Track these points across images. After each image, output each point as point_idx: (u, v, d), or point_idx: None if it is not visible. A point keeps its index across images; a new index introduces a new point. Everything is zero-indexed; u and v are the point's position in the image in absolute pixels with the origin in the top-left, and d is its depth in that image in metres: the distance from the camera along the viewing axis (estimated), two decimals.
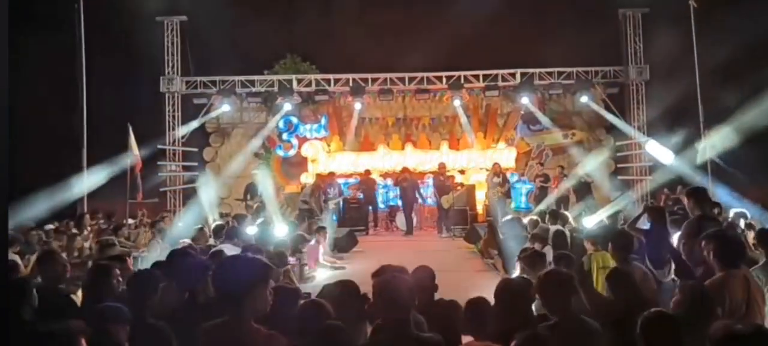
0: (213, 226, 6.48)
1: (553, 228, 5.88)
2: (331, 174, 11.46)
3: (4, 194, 1.89)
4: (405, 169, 11.26)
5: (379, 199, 11.69)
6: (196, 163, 13.18)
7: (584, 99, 12.30)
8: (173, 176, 12.95)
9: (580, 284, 2.70)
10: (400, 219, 11.38)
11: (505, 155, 12.45)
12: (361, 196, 11.59)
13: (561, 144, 12.93)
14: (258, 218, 7.94)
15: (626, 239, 3.88)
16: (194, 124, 12.76)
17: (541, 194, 10.99)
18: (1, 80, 2.00)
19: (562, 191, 10.66)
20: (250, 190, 11.35)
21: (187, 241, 5.52)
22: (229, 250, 4.79)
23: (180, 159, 13.08)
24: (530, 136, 13.11)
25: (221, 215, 11.03)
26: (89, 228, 7.70)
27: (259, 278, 2.04)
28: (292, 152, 13.01)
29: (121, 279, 3.17)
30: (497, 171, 10.91)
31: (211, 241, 5.94)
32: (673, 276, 4.38)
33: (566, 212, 7.45)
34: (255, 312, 2.02)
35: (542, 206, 9.37)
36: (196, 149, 13.21)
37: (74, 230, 7.34)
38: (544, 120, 12.71)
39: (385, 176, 11.98)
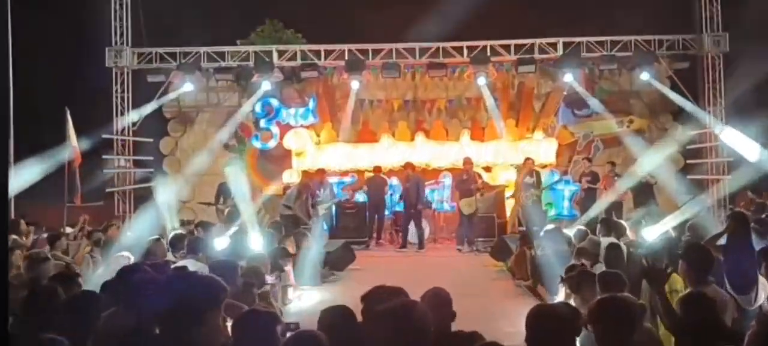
0: (171, 236, 6.49)
1: (604, 241, 5.89)
2: (321, 172, 11.54)
3: (4, 194, 2.10)
4: (408, 165, 11.32)
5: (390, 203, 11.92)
6: (151, 158, 13.21)
7: (645, 76, 12.18)
8: (122, 173, 12.95)
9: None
10: (410, 229, 11.46)
11: (543, 148, 12.48)
12: (360, 199, 11.65)
13: (614, 134, 12.86)
14: (230, 227, 8.06)
15: (703, 255, 3.85)
16: (149, 108, 12.79)
17: (589, 197, 11.10)
18: (1, 80, 2.32)
19: (616, 193, 10.70)
20: (223, 191, 11.31)
21: (127, 254, 5.52)
22: (193, 267, 4.85)
23: (131, 152, 13.08)
24: (575, 123, 13.11)
25: (182, 223, 11.07)
26: (24, 238, 7.62)
27: (208, 303, 2.00)
28: (271, 144, 13.04)
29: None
30: (531, 168, 10.96)
31: (170, 255, 6.02)
32: (762, 302, 4.38)
33: (622, 221, 7.50)
34: (209, 344, 1.99)
35: (591, 213, 9.41)
36: (150, 140, 13.21)
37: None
38: (593, 103, 12.65)
39: (389, 173, 12.02)
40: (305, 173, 12.01)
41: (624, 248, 5.65)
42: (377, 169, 11.74)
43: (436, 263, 9.99)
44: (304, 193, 10.69)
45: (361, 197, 11.94)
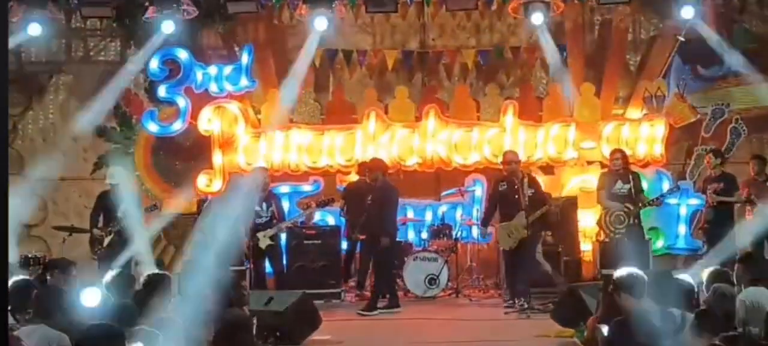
0: (10, 285, 6.47)
1: (748, 294, 5.86)
2: (261, 172, 11.68)
3: (4, 194, 3.23)
4: (373, 163, 11.43)
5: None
6: None
7: None
8: None
9: None
10: (413, 271, 11.71)
11: (644, 132, 12.52)
12: (328, 220, 11.62)
13: (767, 109, 12.81)
14: (109, 264, 7.93)
15: None
16: None
17: (721, 218, 11.05)
18: (1, 80, 3.34)
19: None
20: (106, 207, 11.33)
21: None
22: (41, 341, 4.79)
23: None
24: (699, 91, 13.12)
25: (27, 262, 10.90)
26: None
27: None
28: (177, 126, 12.97)
29: None
30: (625, 165, 10.91)
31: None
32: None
33: None
34: None
35: (728, 246, 9.37)
36: None
37: None
38: (731, 57, 12.60)
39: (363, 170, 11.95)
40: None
41: None
42: (367, 168, 11.62)
43: (458, 329, 9.94)
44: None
45: (344, 214, 11.93)
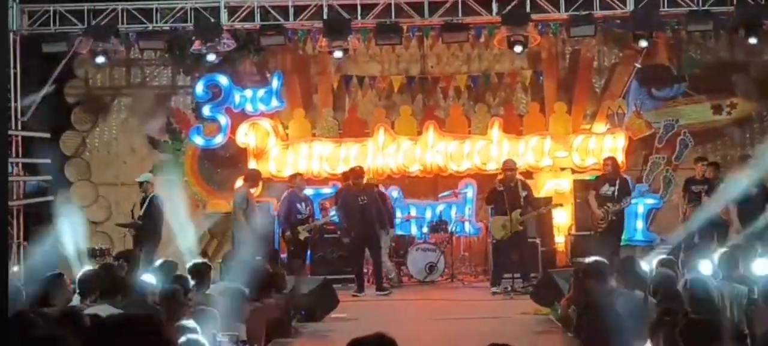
0: (80, 274, 6.61)
1: (691, 277, 5.98)
2: (297, 176, 11.77)
3: (3, 194, 2.75)
4: (353, 172, 11.51)
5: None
6: (47, 161, 13.14)
7: (753, 40, 12.27)
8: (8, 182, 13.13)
9: None
10: (415, 260, 11.75)
11: (607, 144, 12.63)
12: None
13: (709, 124, 12.96)
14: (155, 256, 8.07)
15: None
16: (44, 91, 12.86)
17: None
18: (1, 80, 2.85)
19: (713, 209, 10.74)
20: (149, 207, 11.45)
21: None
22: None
23: (19, 153, 13.19)
24: (653, 109, 13.14)
25: (94, 253, 11.03)
26: None
27: None
28: (219, 139, 13.07)
29: None
30: (614, 170, 11.09)
31: (77, 299, 6.12)
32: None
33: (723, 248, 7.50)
34: None
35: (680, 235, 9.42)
36: (47, 135, 13.24)
37: None
38: (679, 80, 12.78)
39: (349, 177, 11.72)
40: (255, 174, 12.02)
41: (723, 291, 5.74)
42: (355, 173, 11.57)
43: (452, 309, 10.06)
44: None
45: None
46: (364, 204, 11.20)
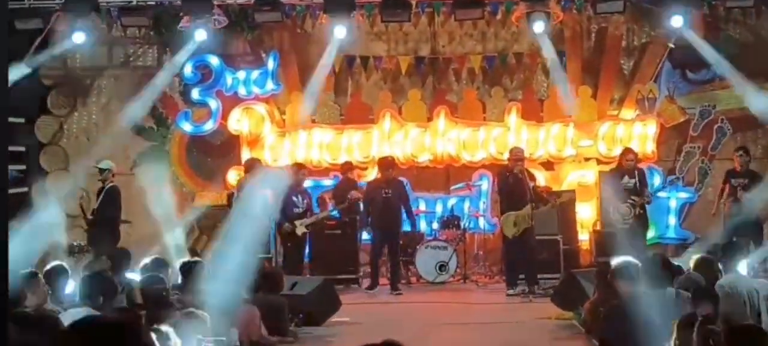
0: (51, 268, 6.60)
1: (727, 280, 5.90)
2: (299, 167, 11.84)
3: (3, 193, 3.15)
4: (386, 161, 11.60)
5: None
6: (21, 148, 13.24)
7: None
8: None
9: None
10: (424, 259, 11.67)
11: (637, 131, 12.57)
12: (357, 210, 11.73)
13: (749, 110, 12.80)
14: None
15: None
16: (18, 72, 12.80)
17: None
18: (1, 80, 3.28)
19: (753, 206, 10.68)
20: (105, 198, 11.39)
21: None
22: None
23: None
24: (687, 93, 13.08)
25: (72, 250, 10.97)
26: None
27: None
28: (209, 126, 13.05)
29: None
30: (632, 162, 10.96)
31: (50, 302, 6.18)
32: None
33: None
34: None
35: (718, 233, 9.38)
36: (20, 120, 13.27)
37: None
38: (717, 61, 12.62)
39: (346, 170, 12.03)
40: (251, 162, 11.97)
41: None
42: (389, 162, 11.66)
43: (465, 312, 9.98)
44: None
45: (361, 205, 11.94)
46: (387, 197, 11.20)
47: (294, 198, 11.40)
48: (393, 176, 11.54)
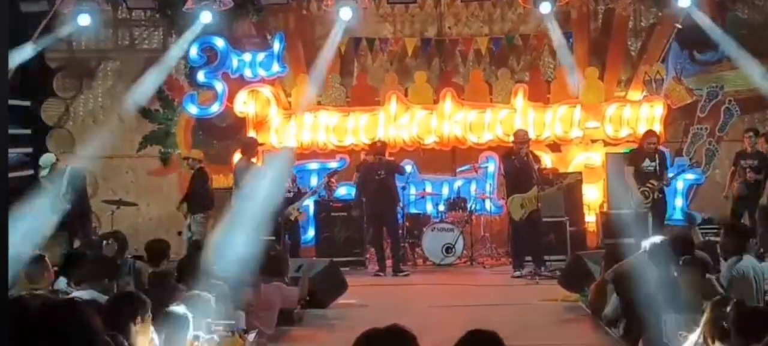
0: (60, 255, 6.61)
1: (740, 264, 5.99)
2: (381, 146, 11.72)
3: (3, 194, 3.03)
4: (376, 145, 11.64)
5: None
6: (26, 131, 13.28)
7: None
8: None
9: None
10: (431, 241, 11.72)
11: (644, 113, 12.57)
12: (353, 193, 11.73)
13: (758, 91, 12.74)
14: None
15: None
16: (23, 54, 12.81)
17: (752, 193, 10.98)
18: (1, 80, 3.28)
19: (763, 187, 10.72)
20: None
21: None
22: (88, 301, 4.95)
23: None
24: (694, 74, 13.04)
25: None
26: None
27: None
28: (215, 108, 13.05)
29: None
30: (654, 145, 10.98)
31: (62, 283, 6.26)
32: None
33: None
34: None
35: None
36: (26, 103, 13.30)
37: None
38: (724, 42, 12.55)
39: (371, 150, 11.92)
40: (253, 144, 11.99)
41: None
42: (380, 145, 11.78)
43: (471, 294, 10.01)
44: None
45: (358, 188, 11.95)
46: (381, 179, 11.20)
47: (286, 184, 11.40)
48: (387, 159, 11.54)
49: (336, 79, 13.20)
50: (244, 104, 12.87)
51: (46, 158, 11.53)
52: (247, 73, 12.92)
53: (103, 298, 5.30)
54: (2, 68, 3.30)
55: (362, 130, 12.70)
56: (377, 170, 11.31)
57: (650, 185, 10.78)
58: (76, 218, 10.99)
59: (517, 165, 10.84)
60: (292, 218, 11.39)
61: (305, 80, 12.95)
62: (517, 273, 10.77)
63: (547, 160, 12.22)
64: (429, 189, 12.73)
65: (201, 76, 12.94)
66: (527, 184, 10.74)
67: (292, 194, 11.49)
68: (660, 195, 10.91)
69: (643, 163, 10.91)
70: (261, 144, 12.34)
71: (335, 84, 13.17)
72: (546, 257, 10.90)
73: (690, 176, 12.45)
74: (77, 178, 11.26)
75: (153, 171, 13.39)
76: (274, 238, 10.70)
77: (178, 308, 4.93)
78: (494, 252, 12.28)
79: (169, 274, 6.81)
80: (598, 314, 7.74)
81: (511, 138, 11.38)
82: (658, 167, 10.89)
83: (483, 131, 12.63)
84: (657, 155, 10.99)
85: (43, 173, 11.34)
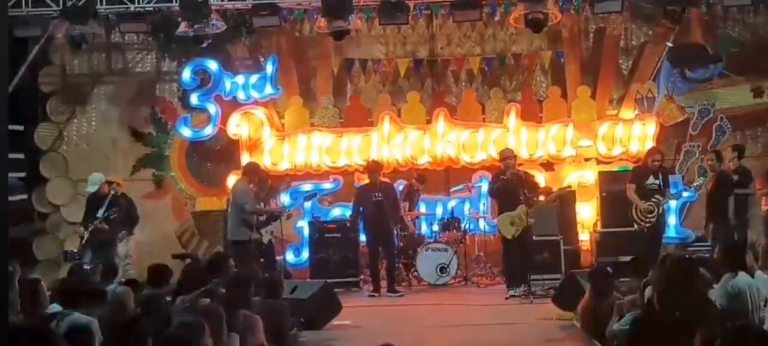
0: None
1: (734, 281, 6.06)
2: (260, 174, 11.57)
3: (3, 193, 3.25)
4: (372, 165, 11.71)
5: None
6: (20, 156, 13.27)
7: None
8: None
9: None
10: (425, 261, 11.74)
11: (637, 131, 12.58)
12: (349, 214, 11.75)
13: (749, 108, 12.86)
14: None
15: None
16: (16, 79, 12.84)
17: (737, 209, 10.95)
18: (1, 80, 3.40)
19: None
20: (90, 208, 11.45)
21: None
22: (68, 325, 5.13)
23: None
24: (686, 92, 13.08)
25: (66, 257, 11.01)
26: None
27: None
28: (208, 130, 13.07)
29: None
30: (658, 162, 10.99)
31: (56, 306, 6.18)
32: None
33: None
34: None
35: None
36: (19, 128, 13.30)
37: None
38: (716, 60, 12.68)
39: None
40: (251, 168, 11.73)
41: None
42: (375, 166, 11.80)
43: (466, 314, 10.00)
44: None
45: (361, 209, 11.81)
46: (378, 201, 11.24)
47: (259, 206, 11.06)
48: (383, 180, 11.61)
49: (329, 101, 13.25)
50: (237, 126, 12.88)
51: (95, 177, 11.68)
52: (241, 95, 12.90)
53: (84, 319, 5.40)
54: (2, 78, 3.40)
55: (356, 151, 12.72)
56: (374, 193, 11.34)
57: (656, 200, 10.82)
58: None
59: (500, 185, 10.88)
60: (265, 242, 11.06)
61: (299, 102, 13.02)
62: (512, 292, 10.77)
63: (541, 179, 12.24)
64: (422, 209, 12.73)
65: (194, 99, 12.93)
66: (515, 202, 10.74)
67: (263, 217, 11.15)
68: (662, 211, 10.94)
69: (646, 180, 10.90)
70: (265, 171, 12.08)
71: (328, 105, 13.22)
72: (541, 276, 10.84)
73: (684, 194, 12.49)
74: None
75: (146, 194, 13.35)
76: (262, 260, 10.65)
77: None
78: (489, 272, 12.27)
79: (159, 297, 6.81)
80: (587, 331, 7.77)
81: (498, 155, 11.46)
82: (662, 184, 10.94)
83: (476, 151, 12.67)
84: (661, 172, 11.03)
85: (91, 189, 11.57)
